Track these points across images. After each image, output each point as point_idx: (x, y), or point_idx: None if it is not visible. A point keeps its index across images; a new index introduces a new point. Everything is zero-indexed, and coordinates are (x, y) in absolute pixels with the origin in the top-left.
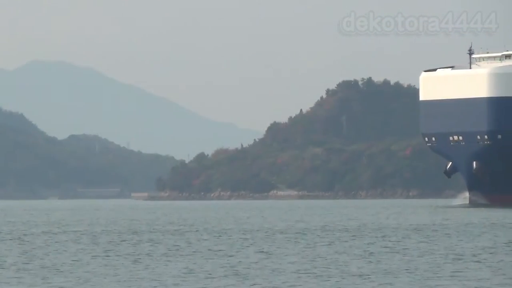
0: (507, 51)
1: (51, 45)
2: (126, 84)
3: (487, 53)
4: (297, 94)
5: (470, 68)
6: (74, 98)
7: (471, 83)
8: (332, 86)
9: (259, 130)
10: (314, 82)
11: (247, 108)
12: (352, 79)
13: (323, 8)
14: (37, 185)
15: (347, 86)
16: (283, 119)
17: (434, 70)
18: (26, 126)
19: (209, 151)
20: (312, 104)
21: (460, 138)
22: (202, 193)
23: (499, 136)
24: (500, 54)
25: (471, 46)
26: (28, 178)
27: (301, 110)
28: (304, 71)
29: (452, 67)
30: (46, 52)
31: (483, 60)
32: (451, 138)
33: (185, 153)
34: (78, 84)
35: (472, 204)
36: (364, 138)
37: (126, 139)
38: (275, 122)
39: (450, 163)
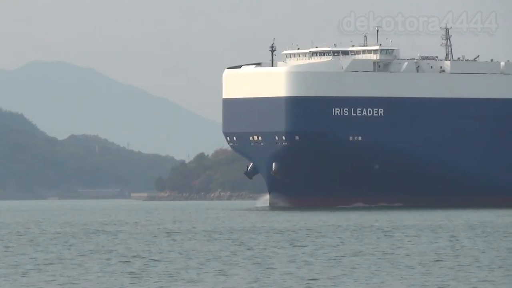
0: (316, 47)
1: (51, 45)
2: (126, 84)
3: (298, 49)
4: None
5: (272, 65)
6: (74, 98)
7: (271, 81)
8: None
9: None
10: None
11: None
12: None
13: (323, 8)
14: (37, 185)
15: None
16: None
17: (239, 67)
18: (26, 126)
19: (209, 151)
20: None
21: (260, 138)
22: (202, 193)
23: (297, 137)
24: (308, 50)
25: (273, 43)
26: (28, 178)
27: None
28: None
29: (258, 64)
30: (46, 52)
31: (293, 56)
32: (251, 138)
33: (185, 153)
34: (78, 84)
35: (272, 206)
36: None
37: (126, 139)
38: None
39: (251, 164)
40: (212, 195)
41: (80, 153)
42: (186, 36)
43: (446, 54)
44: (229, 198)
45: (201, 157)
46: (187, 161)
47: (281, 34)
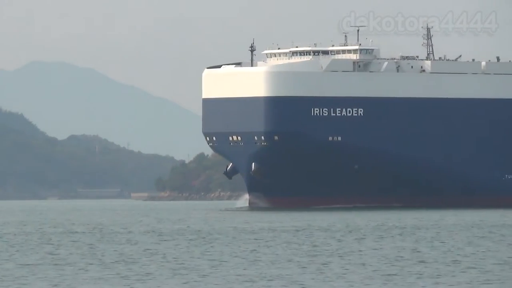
0: (297, 47)
1: (51, 45)
2: (126, 84)
3: (278, 49)
4: None
5: (252, 65)
6: (74, 98)
7: (250, 81)
8: None
9: None
10: None
11: None
12: None
13: (323, 8)
14: (37, 185)
15: None
16: None
17: (219, 66)
18: (26, 126)
19: (209, 151)
20: None
21: (239, 138)
22: (202, 194)
23: (276, 137)
24: (288, 50)
25: (253, 43)
26: (28, 178)
27: None
28: None
29: (238, 64)
30: (46, 52)
31: (274, 56)
32: (230, 138)
33: (185, 153)
34: (78, 84)
35: (252, 206)
36: None
37: (126, 139)
38: None
39: (231, 164)
40: (212, 195)
41: (80, 153)
42: (185, 36)
43: (428, 54)
44: (229, 198)
45: (201, 157)
46: (187, 161)
47: (275, 34)
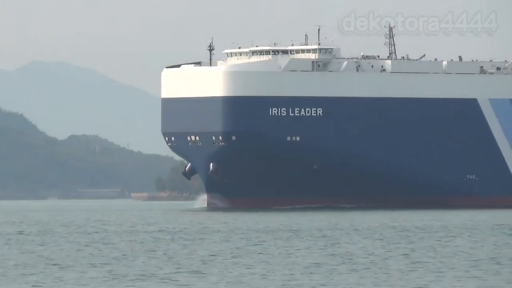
0: (257, 46)
1: (51, 45)
2: (126, 84)
3: (239, 48)
4: None
5: (211, 65)
6: (74, 98)
7: (209, 81)
8: None
9: None
10: None
11: None
12: None
13: (323, 8)
14: (37, 185)
15: None
16: None
17: (178, 66)
18: (26, 126)
19: None
20: None
21: (197, 138)
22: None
23: (233, 137)
24: (248, 49)
25: (211, 42)
26: (28, 178)
27: None
28: None
29: (198, 63)
30: (46, 52)
31: (234, 55)
32: (188, 138)
33: None
34: (78, 84)
35: (210, 207)
36: None
37: (126, 139)
38: None
39: (190, 164)
40: None
41: (80, 153)
42: (187, 36)
43: (390, 53)
44: None
45: None
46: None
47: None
